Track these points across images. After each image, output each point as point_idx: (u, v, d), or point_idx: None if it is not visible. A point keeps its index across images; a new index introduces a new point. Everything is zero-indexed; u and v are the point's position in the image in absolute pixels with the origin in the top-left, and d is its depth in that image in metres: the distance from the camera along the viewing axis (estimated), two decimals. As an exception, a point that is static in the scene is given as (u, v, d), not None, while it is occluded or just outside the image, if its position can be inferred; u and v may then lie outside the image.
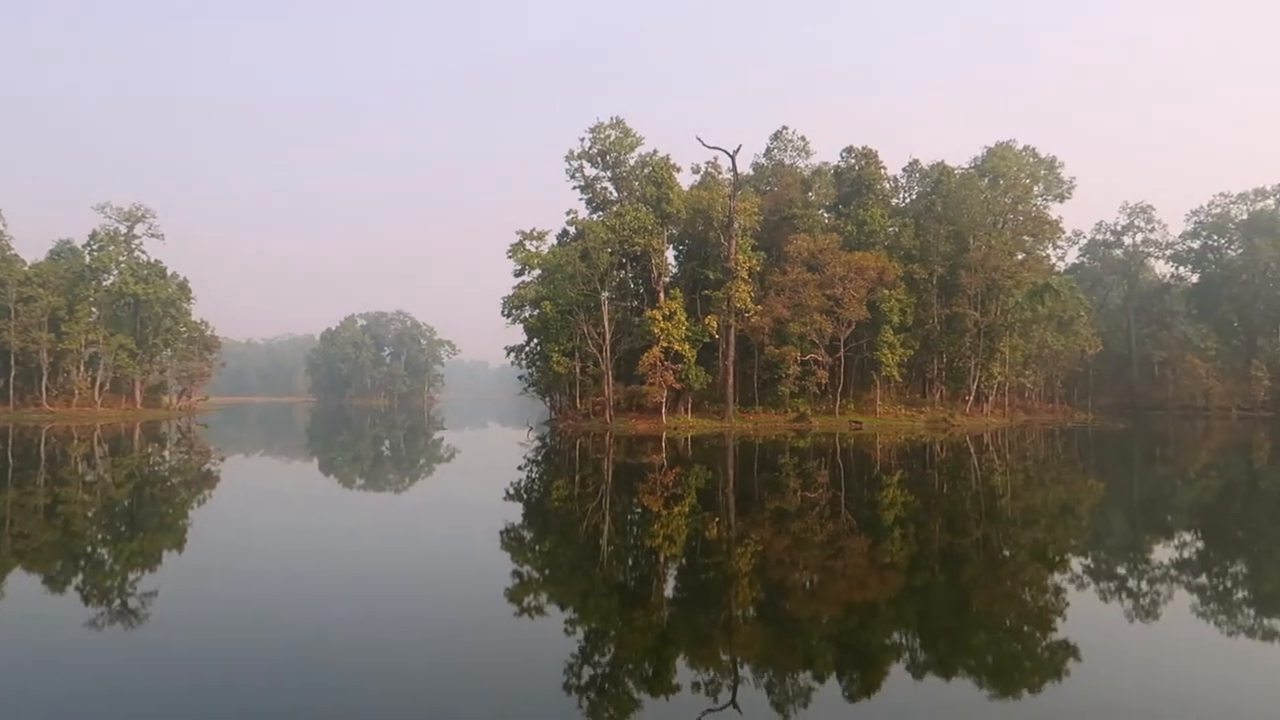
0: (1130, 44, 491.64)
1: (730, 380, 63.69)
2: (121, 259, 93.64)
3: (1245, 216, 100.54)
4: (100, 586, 14.47)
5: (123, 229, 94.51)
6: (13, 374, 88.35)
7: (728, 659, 10.58)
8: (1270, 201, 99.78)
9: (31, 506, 24.74)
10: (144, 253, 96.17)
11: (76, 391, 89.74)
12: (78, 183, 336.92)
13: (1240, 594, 14.69)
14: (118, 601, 13.23)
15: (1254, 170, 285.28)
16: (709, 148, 65.97)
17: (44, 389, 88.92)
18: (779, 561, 16.83)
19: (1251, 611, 13.29)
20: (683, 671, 9.90)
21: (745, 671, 10.06)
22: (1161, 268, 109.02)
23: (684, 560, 17.01)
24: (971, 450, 45.84)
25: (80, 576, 15.37)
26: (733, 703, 8.87)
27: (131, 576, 15.23)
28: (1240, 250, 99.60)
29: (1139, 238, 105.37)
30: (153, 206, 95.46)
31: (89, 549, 18.33)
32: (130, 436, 59.56)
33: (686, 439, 52.64)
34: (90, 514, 23.51)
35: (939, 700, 9.15)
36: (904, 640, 11.72)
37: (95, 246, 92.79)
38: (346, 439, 66.45)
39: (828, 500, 25.23)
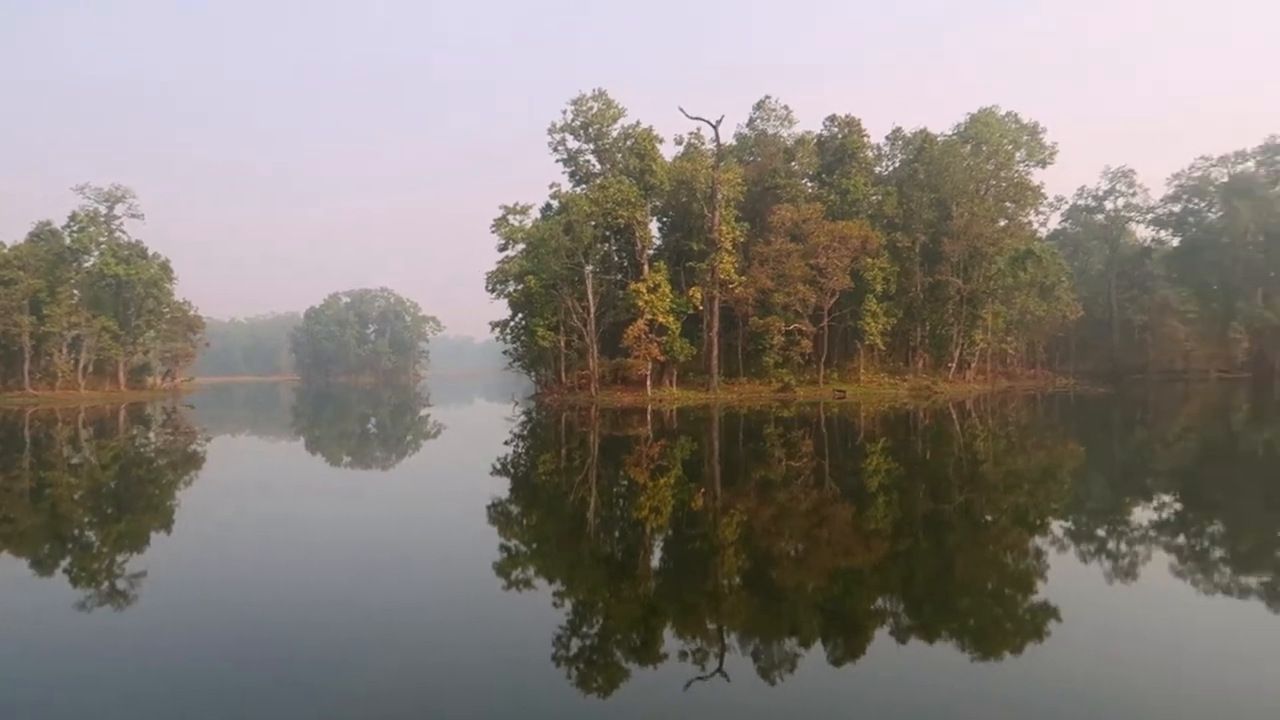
0: (1114, 12, 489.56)
1: (715, 351, 63.82)
2: (102, 240, 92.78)
3: (1225, 179, 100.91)
4: (88, 569, 14.46)
5: (102, 209, 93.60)
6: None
7: (714, 628, 10.71)
8: (1251, 164, 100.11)
9: (16, 490, 24.66)
10: (124, 233, 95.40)
11: (59, 374, 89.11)
12: (53, 168, 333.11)
13: (1216, 553, 14.95)
14: (106, 583, 13.24)
15: (1237, 133, 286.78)
16: (691, 118, 65.77)
17: (26, 373, 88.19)
18: (765, 530, 16.99)
19: (1228, 570, 13.54)
20: (670, 641, 10.02)
21: (732, 639, 10.19)
22: (1142, 232, 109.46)
23: (670, 531, 17.15)
24: (954, 416, 46.20)
25: (68, 559, 15.36)
26: (719, 670, 9.01)
27: (120, 558, 15.23)
28: (1220, 213, 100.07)
29: (1120, 202, 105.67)
30: (132, 187, 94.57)
31: (76, 531, 18.30)
32: (115, 419, 59.25)
33: (672, 411, 52.81)
34: (76, 496, 23.45)
35: (921, 663, 9.30)
36: (888, 605, 11.88)
37: (75, 228, 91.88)
38: (333, 417, 66.35)
39: (812, 469, 25.43)
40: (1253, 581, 12.62)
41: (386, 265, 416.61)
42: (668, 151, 71.06)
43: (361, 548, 15.66)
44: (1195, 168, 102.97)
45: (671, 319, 62.82)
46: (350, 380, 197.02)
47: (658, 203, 69.66)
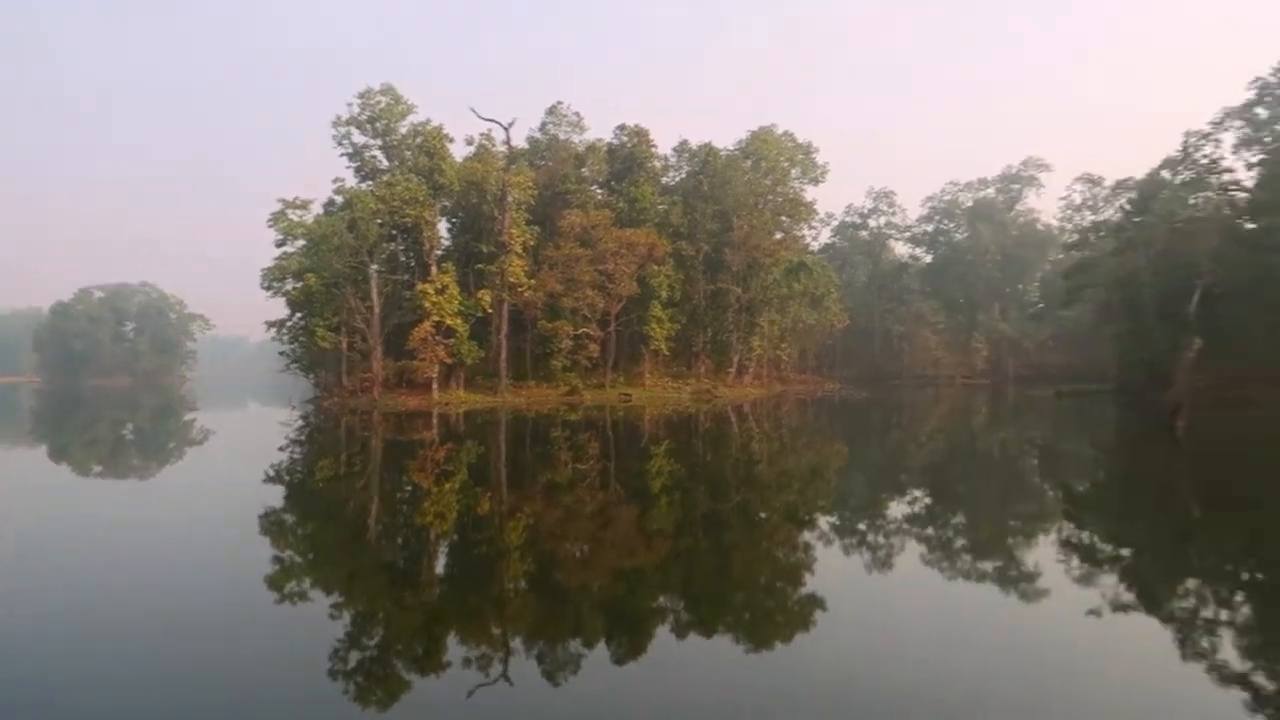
0: (878, 42, 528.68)
1: (503, 355, 63.45)
2: None
3: (971, 204, 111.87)
4: None
5: None
6: None
7: (499, 633, 10.68)
8: (991, 191, 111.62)
9: None
10: None
11: None
12: None
13: (959, 541, 16.51)
14: None
15: (981, 160, 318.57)
16: (483, 119, 65.21)
17: None
18: (551, 533, 17.10)
19: (969, 557, 15.01)
20: (454, 649, 9.90)
21: (517, 644, 10.19)
22: (901, 249, 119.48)
23: (455, 536, 16.91)
24: (733, 419, 48.32)
25: None
26: (504, 675, 9.00)
27: None
28: (966, 234, 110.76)
29: (882, 220, 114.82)
30: None
31: None
32: None
33: (458, 414, 52.04)
34: None
35: (700, 657, 9.69)
36: (669, 603, 12.26)
37: None
38: (81, 422, 60.48)
39: (598, 471, 25.84)
40: (988, 567, 14.05)
41: (152, 259, 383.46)
42: (458, 152, 70.06)
43: (112, 565, 14.40)
44: (946, 192, 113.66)
45: (459, 321, 61.86)
46: (104, 382, 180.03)
47: (447, 203, 68.42)
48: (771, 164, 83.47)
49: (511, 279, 62.48)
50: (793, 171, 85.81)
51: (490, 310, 63.03)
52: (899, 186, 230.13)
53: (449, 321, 60.92)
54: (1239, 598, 12.53)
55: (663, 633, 10.59)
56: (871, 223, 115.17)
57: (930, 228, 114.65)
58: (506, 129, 64.41)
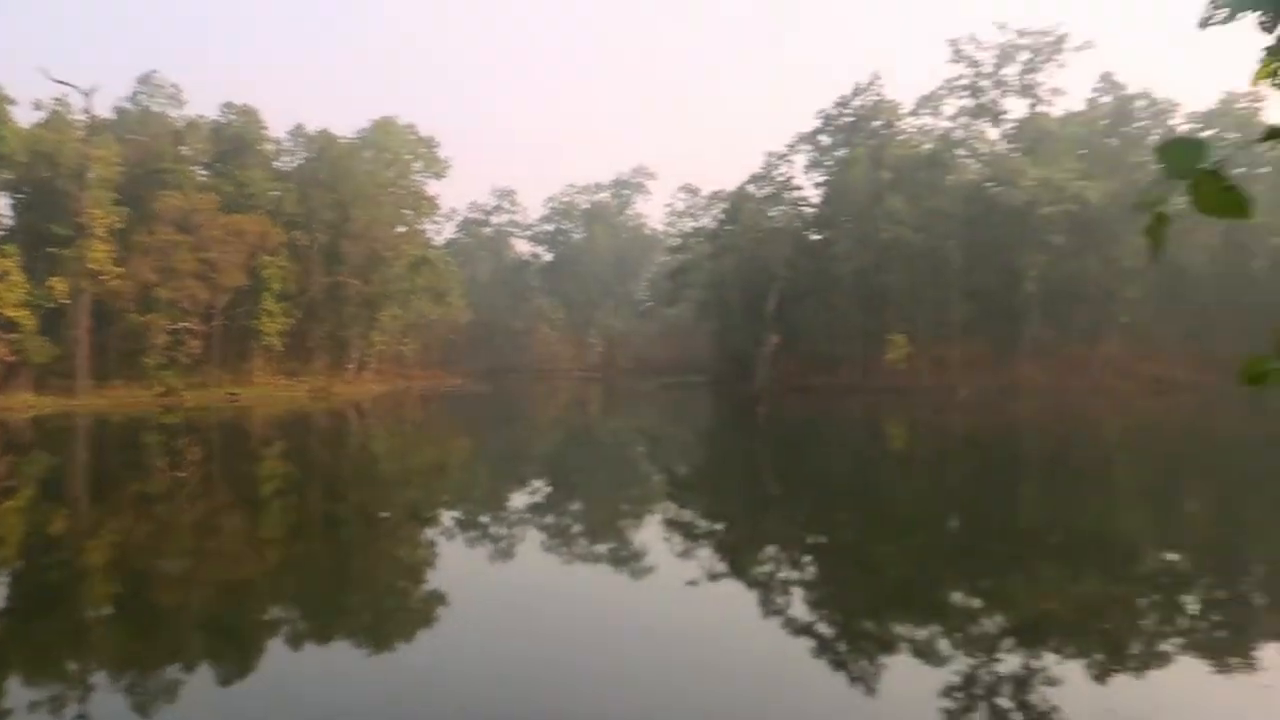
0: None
1: (83, 352, 56.07)
2: None
3: (588, 206, 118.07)
4: None
5: None
6: None
7: (76, 668, 9.61)
8: (606, 194, 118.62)
9: None
10: None
11: None
12: None
13: (576, 527, 17.55)
14: None
15: (596, 166, 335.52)
16: (57, 83, 56.99)
17: None
18: (142, 550, 15.50)
19: (585, 541, 16.03)
20: (17, 693, 8.73)
21: (99, 678, 9.24)
22: (523, 246, 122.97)
23: (20, 563, 14.81)
24: (351, 417, 46.98)
25: None
26: (81, 715, 8.13)
27: None
28: (583, 235, 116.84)
29: (505, 218, 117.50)
30: None
31: None
32: None
33: (26, 421, 45.27)
34: None
35: (315, 668, 9.40)
36: (283, 614, 11.76)
37: None
38: None
39: (200, 479, 23.92)
40: (602, 549, 15.13)
41: None
42: (24, 117, 60.40)
43: None
44: (565, 193, 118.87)
45: (26, 313, 53.61)
46: None
47: (10, 175, 58.88)
48: (394, 156, 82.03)
49: (94, 266, 55.36)
50: (415, 165, 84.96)
51: (67, 301, 55.45)
52: (521, 186, 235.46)
53: (11, 314, 52.68)
54: (808, 559, 14.71)
55: (275, 645, 10.12)
56: (495, 220, 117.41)
57: (551, 227, 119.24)
58: (86, 94, 57.00)
